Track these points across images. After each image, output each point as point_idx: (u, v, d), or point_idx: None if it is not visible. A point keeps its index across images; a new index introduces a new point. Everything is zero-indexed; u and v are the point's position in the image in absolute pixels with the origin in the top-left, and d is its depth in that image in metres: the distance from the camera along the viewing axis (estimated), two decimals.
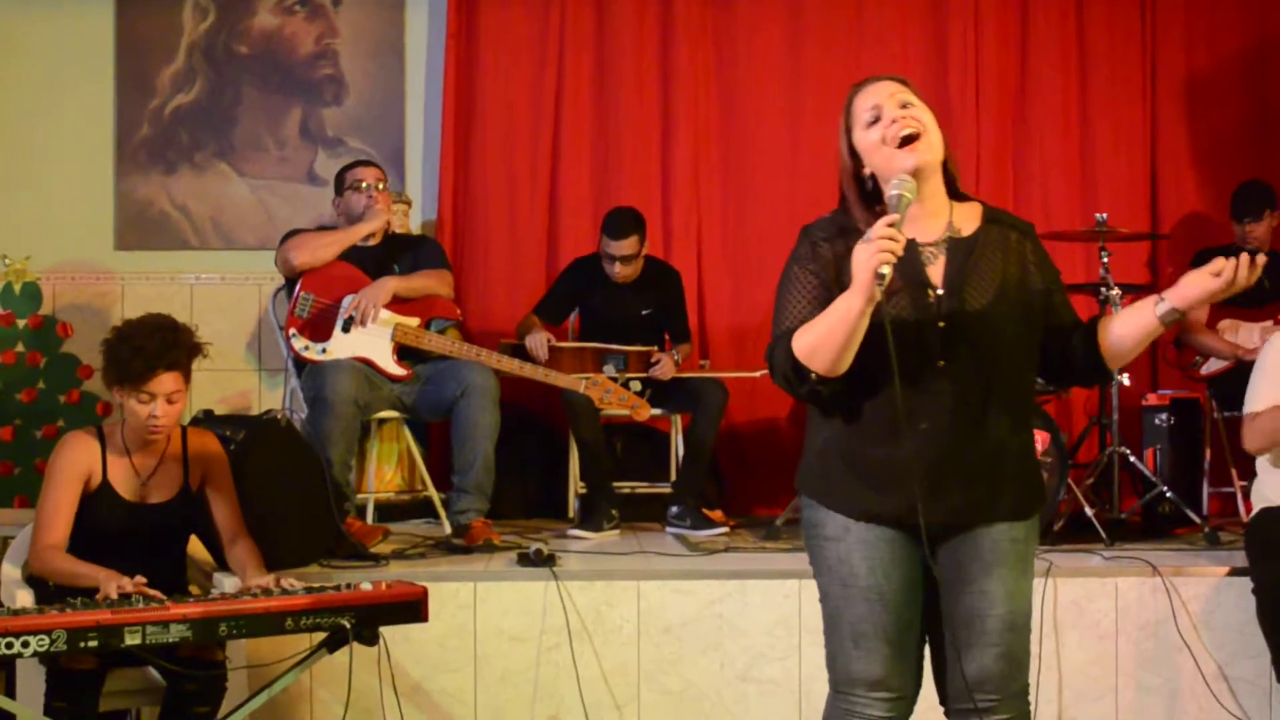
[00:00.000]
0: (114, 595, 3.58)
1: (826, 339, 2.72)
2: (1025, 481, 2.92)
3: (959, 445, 2.82)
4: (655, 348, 6.10)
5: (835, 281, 2.83)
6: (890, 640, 2.89)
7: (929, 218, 2.89)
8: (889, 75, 2.97)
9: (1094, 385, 3.08)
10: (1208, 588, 4.82)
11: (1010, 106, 7.06)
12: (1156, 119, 7.12)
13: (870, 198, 2.90)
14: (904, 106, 2.86)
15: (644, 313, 6.24)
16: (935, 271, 2.85)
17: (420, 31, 7.08)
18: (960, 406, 2.81)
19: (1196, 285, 2.71)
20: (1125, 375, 5.71)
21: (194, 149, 6.95)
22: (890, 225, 2.62)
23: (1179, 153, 7.11)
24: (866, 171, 2.90)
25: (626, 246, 6.08)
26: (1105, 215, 5.82)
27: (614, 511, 5.83)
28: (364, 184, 5.73)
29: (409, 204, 6.69)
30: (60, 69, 6.94)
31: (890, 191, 2.75)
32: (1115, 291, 5.62)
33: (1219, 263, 2.69)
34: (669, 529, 5.82)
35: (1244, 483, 5.53)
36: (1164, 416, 6.01)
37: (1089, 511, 5.39)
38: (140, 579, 3.65)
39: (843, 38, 7.06)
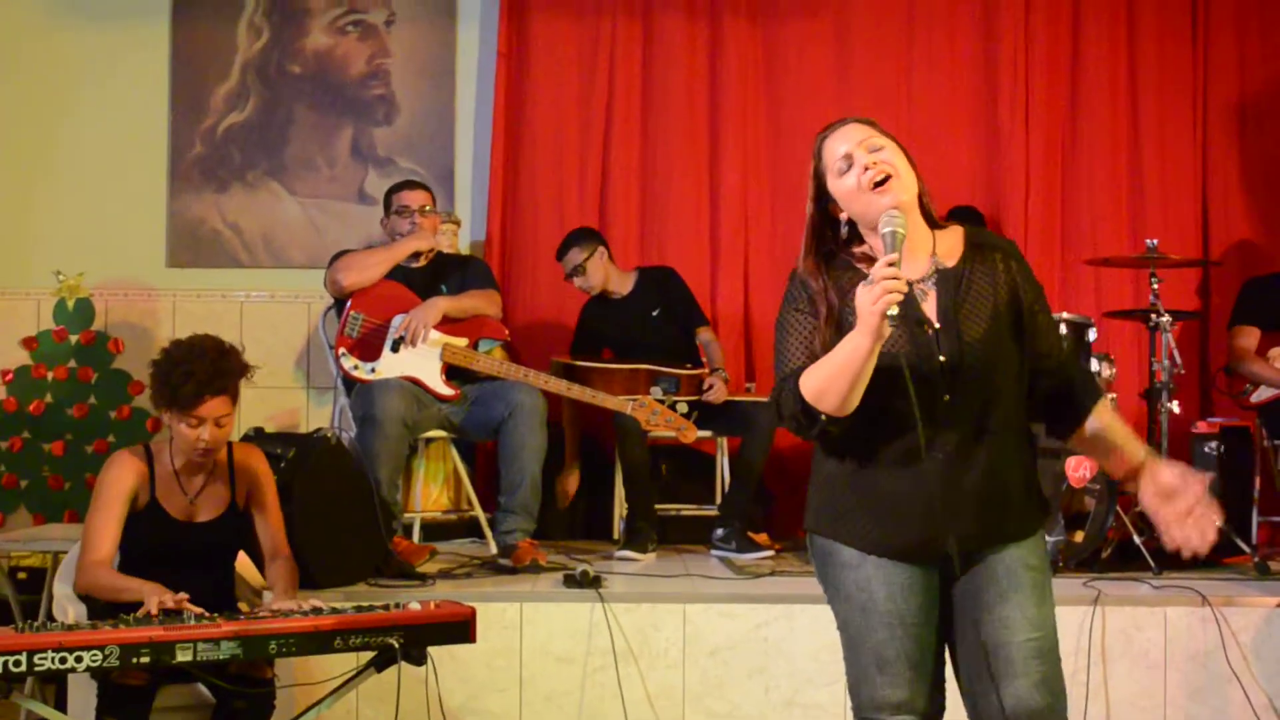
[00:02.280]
0: (155, 611, 3.60)
1: (834, 380, 2.74)
2: (1028, 499, 2.94)
3: (968, 473, 2.84)
4: (705, 370, 6.11)
5: (827, 319, 2.87)
6: (914, 664, 2.89)
7: (914, 253, 2.91)
8: (856, 118, 2.99)
9: (1047, 429, 3.05)
10: (1258, 618, 4.77)
11: (1060, 130, 7.02)
12: (1208, 144, 7.07)
13: (848, 241, 2.97)
14: (874, 151, 2.89)
15: (655, 313, 6.30)
16: (929, 307, 2.88)
17: (471, 52, 7.11)
18: (967, 435, 2.84)
19: (1157, 512, 2.81)
20: (1175, 403, 5.68)
21: (246, 167, 7.01)
22: (890, 264, 2.65)
23: (1230, 179, 7.06)
24: (844, 216, 2.95)
25: (568, 262, 6.26)
26: (1156, 241, 5.79)
27: (654, 534, 5.83)
28: (409, 208, 5.78)
29: (458, 224, 6.72)
30: (115, 87, 7.01)
31: (883, 230, 2.77)
32: (1166, 318, 5.59)
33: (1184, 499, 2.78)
34: (714, 552, 5.82)
35: None
36: (1214, 445, 5.95)
37: (1137, 540, 5.35)
38: (183, 595, 3.67)
39: (892, 58, 7.06)
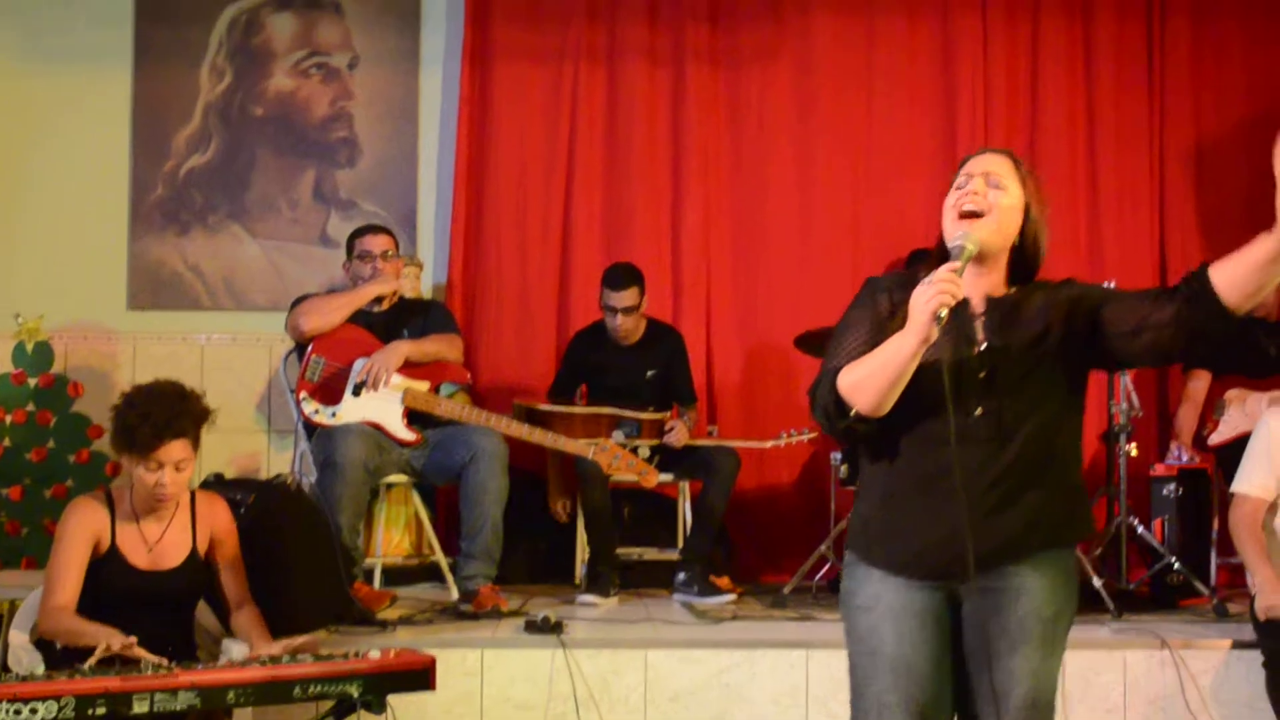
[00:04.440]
0: (101, 652, 3.59)
1: (873, 377, 2.77)
2: (1052, 516, 2.91)
3: (990, 485, 2.84)
4: (668, 414, 6.12)
5: (888, 329, 2.88)
6: (914, 713, 2.90)
7: (982, 290, 2.94)
8: (1002, 150, 3.02)
9: (1217, 337, 2.77)
10: (1217, 661, 4.80)
11: None
12: (1165, 191, 7.14)
13: (938, 258, 2.96)
14: (992, 186, 2.91)
15: (650, 374, 6.25)
16: (979, 329, 2.91)
17: (434, 95, 7.14)
18: (993, 450, 2.84)
19: None
20: (1133, 445, 5.72)
21: (208, 210, 7.00)
22: (953, 271, 2.69)
23: (1187, 224, 7.14)
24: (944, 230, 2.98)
25: (627, 298, 6.12)
26: (1114, 282, 5.83)
27: (616, 578, 5.83)
28: (371, 254, 5.77)
29: (420, 267, 6.73)
30: (77, 129, 7.00)
31: (954, 241, 2.82)
32: None
33: (1278, 161, 2.54)
34: (676, 596, 5.81)
35: None
36: (1172, 487, 5.99)
37: (1097, 582, 5.37)
38: (132, 639, 3.66)
39: (852, 103, 7.11)
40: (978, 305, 2.92)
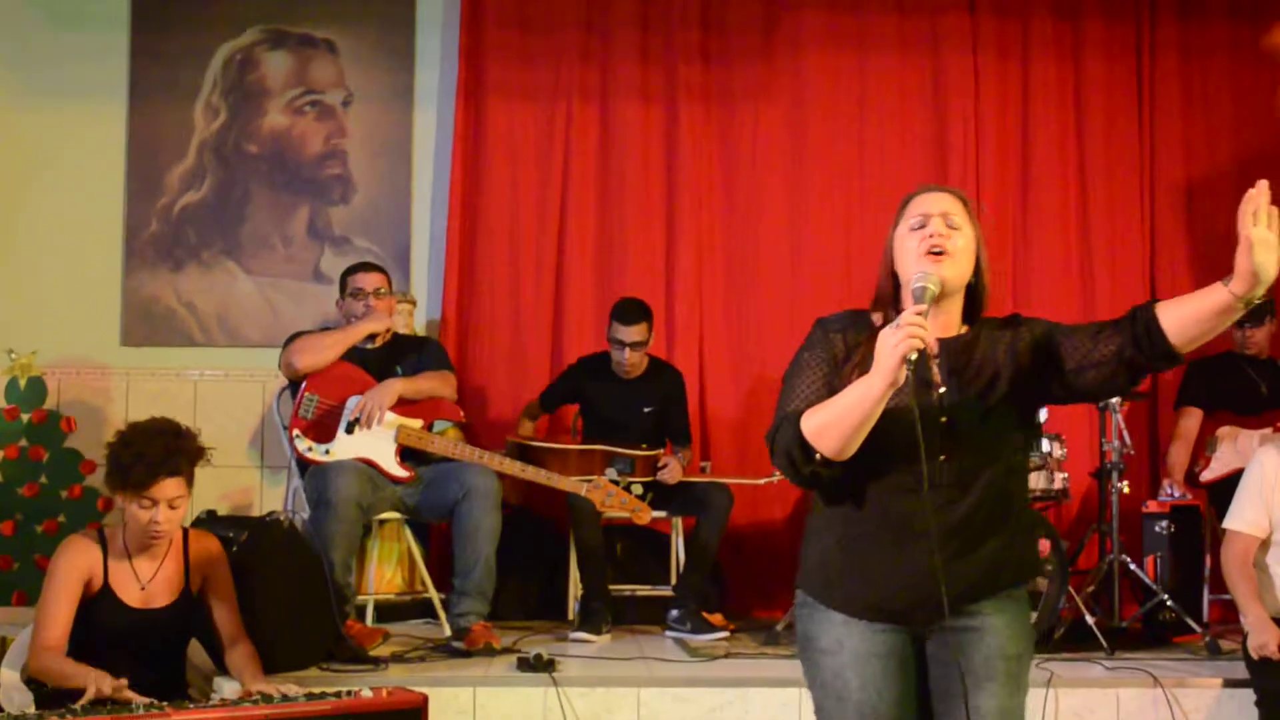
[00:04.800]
0: (91, 695, 3.59)
1: (840, 420, 2.74)
2: (1009, 559, 2.92)
3: (953, 532, 2.83)
4: (661, 451, 6.13)
5: (842, 371, 2.88)
6: None
7: (936, 330, 2.90)
8: (953, 190, 3.02)
9: (1152, 370, 2.84)
10: (1210, 699, 4.80)
11: (1010, 211, 7.12)
12: (1155, 225, 7.18)
13: (891, 296, 2.96)
14: (950, 227, 2.90)
15: (646, 410, 6.26)
16: (935, 371, 2.87)
17: (428, 132, 7.16)
18: (961, 496, 2.84)
19: (1244, 255, 2.61)
20: (1125, 483, 5.73)
21: (201, 246, 7.01)
22: (919, 314, 2.67)
23: (1177, 258, 7.17)
24: (897, 269, 2.96)
25: (636, 333, 6.14)
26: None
27: (609, 614, 5.82)
28: (364, 291, 5.78)
29: (413, 304, 6.74)
30: (71, 165, 7.01)
31: (914, 284, 2.80)
32: (1115, 399, 5.65)
33: (1244, 218, 2.60)
34: (669, 632, 5.81)
35: None
36: (1164, 524, 5.99)
37: (1089, 619, 5.38)
38: (122, 681, 3.66)
39: (844, 139, 7.15)
40: (932, 346, 2.87)
